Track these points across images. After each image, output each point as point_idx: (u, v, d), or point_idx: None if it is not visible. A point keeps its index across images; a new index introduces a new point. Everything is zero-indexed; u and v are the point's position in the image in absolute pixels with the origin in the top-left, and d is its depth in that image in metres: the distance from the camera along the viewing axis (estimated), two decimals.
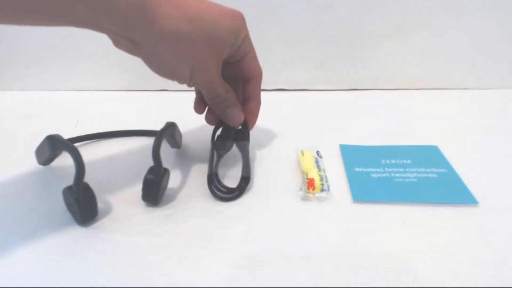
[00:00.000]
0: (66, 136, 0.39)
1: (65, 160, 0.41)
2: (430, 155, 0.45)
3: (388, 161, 0.44)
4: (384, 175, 0.41)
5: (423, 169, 0.42)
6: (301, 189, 0.39)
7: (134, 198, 0.38)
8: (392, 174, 0.41)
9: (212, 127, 0.45)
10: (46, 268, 0.31)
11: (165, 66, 0.36)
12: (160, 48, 0.34)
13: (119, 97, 0.65)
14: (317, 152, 0.44)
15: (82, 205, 0.34)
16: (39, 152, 0.42)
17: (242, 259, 0.32)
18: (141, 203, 0.38)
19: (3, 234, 0.35)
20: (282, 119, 0.54)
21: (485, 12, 0.59)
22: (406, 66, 0.63)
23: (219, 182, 0.39)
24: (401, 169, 0.42)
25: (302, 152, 0.44)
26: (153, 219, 0.36)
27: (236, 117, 0.42)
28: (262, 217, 0.36)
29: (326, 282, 0.30)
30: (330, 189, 0.39)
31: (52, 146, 0.39)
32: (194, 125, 0.49)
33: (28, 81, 0.66)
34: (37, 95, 0.65)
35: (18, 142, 0.49)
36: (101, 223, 0.36)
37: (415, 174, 0.41)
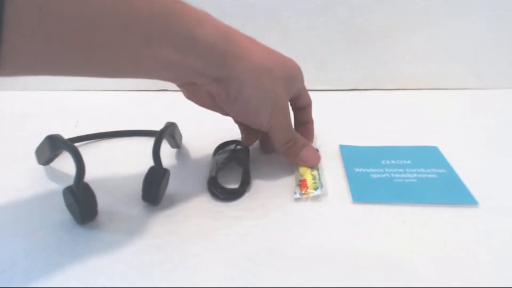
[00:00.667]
0: (66, 136, 0.39)
1: (65, 160, 0.41)
2: (430, 156, 0.45)
3: (388, 162, 0.44)
4: (384, 175, 0.41)
5: (423, 170, 0.42)
6: (295, 193, 0.39)
7: (134, 198, 0.38)
8: (392, 175, 0.41)
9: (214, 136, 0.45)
10: (46, 268, 0.31)
11: (249, 104, 0.36)
12: (245, 83, 0.35)
13: (119, 97, 0.65)
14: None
15: (82, 205, 0.34)
16: (39, 152, 0.42)
17: (242, 259, 0.32)
18: (141, 203, 0.38)
19: (3, 234, 0.35)
20: None
21: (485, 12, 0.59)
22: (406, 66, 0.63)
23: (219, 185, 0.39)
24: (401, 170, 0.42)
25: None
26: (153, 219, 0.36)
27: (314, 155, 0.42)
28: (262, 218, 0.36)
29: (326, 282, 0.30)
30: (324, 186, 0.39)
31: (52, 146, 0.39)
32: (194, 125, 0.49)
33: (28, 81, 0.66)
34: (37, 95, 0.65)
35: (18, 142, 0.49)
36: (101, 223, 0.36)
37: (415, 175, 0.41)
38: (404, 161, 0.44)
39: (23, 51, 0.26)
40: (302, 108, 0.44)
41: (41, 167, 0.43)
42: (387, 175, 0.41)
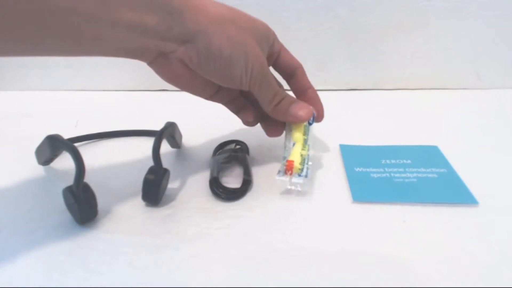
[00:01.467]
0: (66, 136, 0.39)
1: (65, 160, 0.41)
2: (430, 155, 0.45)
3: (388, 161, 0.44)
4: (384, 175, 0.41)
5: (423, 169, 0.42)
6: (279, 172, 0.38)
7: (134, 198, 0.38)
8: (392, 174, 0.41)
9: (214, 137, 0.45)
10: (46, 268, 0.31)
11: (221, 57, 0.34)
12: (211, 35, 0.34)
13: (119, 97, 0.65)
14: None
15: (82, 205, 0.34)
16: (39, 152, 0.42)
17: (242, 259, 0.32)
18: (141, 203, 0.38)
19: (3, 234, 0.35)
20: None
21: (485, 12, 0.59)
22: (406, 66, 0.63)
23: (221, 185, 0.39)
24: (401, 169, 0.42)
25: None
26: (153, 219, 0.36)
27: (305, 107, 0.40)
28: (262, 217, 0.36)
29: (326, 282, 0.30)
30: (308, 176, 0.38)
31: (52, 146, 0.39)
32: (194, 125, 0.49)
33: (28, 81, 0.66)
34: (37, 95, 0.65)
35: (18, 142, 0.49)
36: (101, 223, 0.36)
37: (415, 174, 0.41)
38: (404, 161, 0.44)
39: None
40: (291, 72, 0.42)
41: (41, 167, 0.43)
42: (387, 174, 0.41)
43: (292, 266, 0.31)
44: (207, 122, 0.51)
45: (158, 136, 0.38)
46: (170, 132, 0.43)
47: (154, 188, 0.37)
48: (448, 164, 0.43)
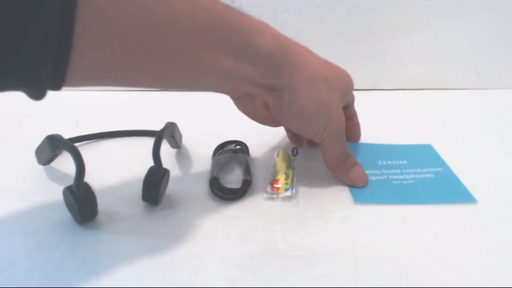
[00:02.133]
0: (66, 136, 0.39)
1: (65, 160, 0.41)
2: (425, 154, 0.45)
3: (384, 162, 0.43)
4: (382, 177, 0.41)
5: (419, 170, 0.42)
6: (266, 192, 0.39)
7: (134, 198, 0.38)
8: (390, 176, 0.41)
9: (212, 137, 0.45)
10: (46, 268, 0.31)
11: (303, 114, 0.36)
12: (301, 92, 0.35)
13: (119, 97, 0.65)
14: (292, 150, 0.43)
15: (82, 205, 0.34)
16: (39, 152, 0.42)
17: (242, 259, 0.32)
18: (141, 203, 0.38)
19: (3, 234, 0.35)
20: None
21: (485, 12, 0.59)
22: (406, 66, 0.63)
23: (221, 185, 0.39)
24: (398, 171, 0.42)
25: (278, 152, 0.44)
26: (153, 219, 0.36)
27: (364, 176, 0.40)
28: (262, 218, 0.36)
29: (326, 282, 0.30)
30: (295, 189, 0.39)
31: (52, 146, 0.39)
32: (194, 125, 0.49)
33: None
34: None
35: (18, 142, 0.49)
36: (101, 223, 0.36)
37: (412, 176, 0.41)
38: (400, 162, 0.43)
39: (90, 62, 0.26)
40: (346, 106, 0.44)
41: (41, 167, 0.43)
42: (385, 176, 0.41)
43: (292, 266, 0.31)
44: (207, 122, 0.51)
45: (158, 136, 0.38)
46: (170, 132, 0.43)
47: (154, 188, 0.37)
48: (443, 162, 0.43)
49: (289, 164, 0.42)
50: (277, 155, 0.43)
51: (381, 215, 0.36)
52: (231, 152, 0.44)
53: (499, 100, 0.60)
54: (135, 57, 0.28)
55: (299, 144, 0.45)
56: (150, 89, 0.32)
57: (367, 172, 0.42)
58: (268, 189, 0.39)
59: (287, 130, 0.45)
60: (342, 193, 0.39)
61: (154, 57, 0.28)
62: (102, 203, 0.36)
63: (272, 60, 0.33)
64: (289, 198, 0.38)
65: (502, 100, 0.60)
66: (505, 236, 0.34)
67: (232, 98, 0.38)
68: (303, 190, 0.40)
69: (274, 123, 0.41)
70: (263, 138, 0.48)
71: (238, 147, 0.46)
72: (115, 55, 0.27)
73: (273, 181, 0.40)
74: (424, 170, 0.42)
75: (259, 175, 0.42)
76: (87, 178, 0.34)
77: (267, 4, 0.59)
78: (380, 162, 0.44)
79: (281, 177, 0.40)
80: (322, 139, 0.38)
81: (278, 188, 0.39)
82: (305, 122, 0.37)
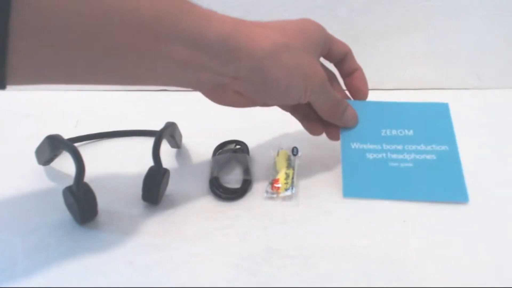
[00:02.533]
0: (66, 136, 0.39)
1: (65, 160, 0.41)
2: (436, 121, 0.42)
3: (388, 132, 0.41)
4: (381, 155, 0.40)
5: (423, 146, 0.40)
6: (266, 191, 0.39)
7: (134, 198, 0.38)
8: (389, 155, 0.40)
9: (213, 138, 0.45)
10: (46, 268, 0.31)
11: (279, 87, 0.35)
12: (268, 68, 0.34)
13: (119, 97, 0.65)
14: (293, 150, 0.44)
15: (82, 205, 0.34)
16: (39, 152, 0.42)
17: (242, 259, 0.32)
18: (141, 203, 0.38)
19: (3, 234, 0.35)
20: (282, 119, 0.54)
21: (485, 12, 0.59)
22: (406, 66, 0.63)
23: (221, 185, 0.39)
24: (399, 147, 0.40)
25: (278, 152, 0.44)
26: (153, 219, 0.36)
27: (355, 116, 0.41)
28: (262, 217, 0.36)
29: (326, 282, 0.30)
30: (295, 188, 0.39)
31: (52, 146, 0.39)
32: (194, 125, 0.49)
33: None
34: (37, 95, 0.65)
35: (18, 142, 0.49)
36: (101, 223, 0.36)
37: (412, 156, 0.39)
38: (406, 131, 0.41)
39: (31, 60, 0.26)
40: (341, 58, 0.42)
41: (41, 167, 0.43)
42: (384, 154, 0.40)
43: (292, 266, 0.31)
44: (207, 122, 0.51)
45: (158, 136, 0.38)
46: (170, 132, 0.43)
47: (154, 188, 0.37)
48: (452, 136, 0.41)
49: (289, 164, 0.42)
50: (277, 155, 0.43)
51: (381, 215, 0.36)
52: (231, 152, 0.44)
53: (499, 100, 0.60)
54: (81, 52, 0.27)
55: (315, 132, 0.43)
56: (110, 86, 0.31)
57: (367, 146, 0.40)
58: (268, 188, 0.39)
59: (301, 120, 0.43)
60: (336, 187, 0.39)
61: (101, 51, 0.28)
62: (102, 203, 0.36)
63: (225, 46, 0.32)
64: (289, 198, 0.38)
65: (502, 100, 0.60)
66: (504, 236, 0.34)
67: (203, 93, 0.37)
68: (303, 190, 0.40)
69: (254, 103, 0.39)
70: (263, 138, 0.48)
71: (238, 147, 0.46)
72: (58, 51, 0.26)
73: (273, 180, 0.40)
74: (428, 147, 0.40)
75: (259, 175, 0.42)
76: (87, 178, 0.34)
77: (267, 4, 0.59)
78: (383, 131, 0.41)
79: (281, 177, 0.40)
80: (308, 99, 0.37)
81: (278, 188, 0.39)
82: (283, 94, 0.36)
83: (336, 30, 0.61)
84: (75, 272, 0.31)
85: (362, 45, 0.62)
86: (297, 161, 0.43)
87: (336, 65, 0.43)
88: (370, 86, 0.66)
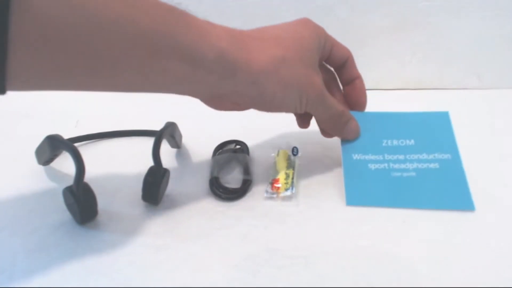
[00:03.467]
0: (66, 136, 0.39)
1: (65, 160, 0.41)
2: (437, 129, 0.42)
3: (389, 143, 0.41)
4: (383, 165, 0.39)
5: (425, 155, 0.40)
6: (266, 191, 0.39)
7: (134, 198, 0.38)
8: (391, 165, 0.39)
9: (213, 137, 0.45)
10: (46, 268, 0.31)
11: (274, 100, 0.36)
12: (265, 83, 0.34)
13: (119, 97, 0.64)
14: (293, 150, 0.44)
15: (82, 205, 0.34)
16: (39, 152, 0.42)
17: (242, 259, 0.32)
18: (141, 203, 0.38)
19: (3, 234, 0.35)
20: (282, 119, 0.54)
21: (485, 12, 0.59)
22: (406, 66, 0.63)
23: (221, 185, 0.39)
24: (401, 156, 0.40)
25: (278, 152, 0.44)
26: (153, 219, 0.36)
27: (356, 128, 0.41)
28: (262, 217, 0.36)
29: (326, 282, 0.30)
30: (295, 188, 0.39)
31: (52, 146, 0.39)
32: (194, 125, 0.49)
33: None
34: (37, 95, 0.65)
35: (18, 142, 0.49)
36: (101, 223, 0.36)
37: (415, 165, 0.39)
38: (407, 141, 0.41)
39: (30, 68, 0.26)
40: (342, 63, 0.42)
41: (41, 167, 0.43)
42: (386, 165, 0.39)
43: (292, 266, 0.31)
44: (207, 122, 0.51)
45: (158, 136, 0.38)
46: (170, 132, 0.43)
47: (154, 188, 0.37)
48: (454, 144, 0.40)
49: (289, 164, 0.42)
50: (277, 155, 0.43)
51: (381, 215, 0.36)
52: (231, 152, 0.44)
53: (499, 100, 0.60)
54: (77, 61, 0.27)
55: (305, 126, 0.43)
56: (103, 91, 0.31)
57: (369, 156, 0.40)
58: (268, 188, 0.39)
59: (296, 114, 0.43)
60: (342, 193, 0.39)
61: (97, 61, 0.28)
62: (102, 203, 0.36)
63: (223, 62, 0.32)
64: (289, 198, 0.38)
65: (502, 100, 0.60)
66: (504, 237, 0.34)
67: (201, 100, 0.37)
68: (303, 190, 0.40)
69: (247, 108, 0.39)
70: (263, 138, 0.48)
71: (238, 147, 0.46)
72: (55, 59, 0.26)
73: (273, 180, 0.40)
74: (431, 156, 0.39)
75: (259, 175, 0.42)
76: (87, 178, 0.34)
77: (267, 4, 0.59)
78: (385, 142, 0.41)
79: (281, 177, 0.40)
80: (304, 110, 0.37)
81: (278, 188, 0.39)
82: (279, 105, 0.36)
83: (336, 30, 0.61)
84: (75, 272, 0.31)
85: (362, 45, 0.62)
86: (297, 161, 0.43)
87: (336, 71, 0.43)
88: (370, 86, 0.66)
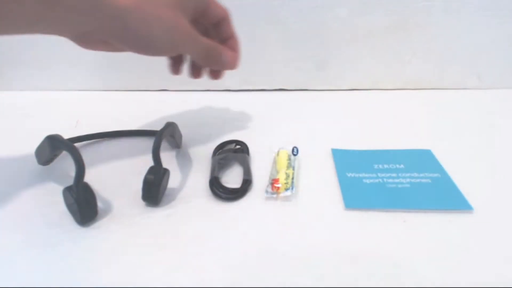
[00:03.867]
0: (66, 136, 0.39)
1: (65, 160, 0.41)
2: (423, 160, 0.44)
3: (380, 166, 0.43)
4: (377, 180, 0.41)
5: (416, 174, 0.41)
6: (266, 191, 0.39)
7: (134, 198, 0.38)
8: (385, 180, 0.41)
9: (212, 138, 0.45)
10: (46, 268, 0.31)
11: (139, 37, 0.35)
12: (127, 18, 0.33)
13: (119, 97, 0.65)
14: (293, 149, 0.44)
15: (82, 205, 0.34)
16: (39, 152, 0.42)
17: (242, 259, 0.32)
18: (141, 203, 0.38)
19: (3, 234, 0.35)
20: (282, 119, 0.54)
21: (485, 12, 0.59)
22: (406, 66, 0.63)
23: (221, 185, 0.39)
24: (393, 174, 0.41)
25: (278, 152, 0.44)
26: (153, 219, 0.36)
27: (232, 57, 0.41)
28: (262, 218, 0.36)
29: (326, 282, 0.30)
30: (295, 188, 0.39)
31: (52, 146, 0.39)
32: (194, 125, 0.49)
33: (28, 81, 0.66)
34: (37, 95, 0.65)
35: (18, 142, 0.49)
36: (101, 223, 0.36)
37: (408, 180, 0.40)
38: (397, 166, 0.43)
39: None
40: (217, 22, 0.41)
41: (41, 167, 0.43)
42: (380, 180, 0.41)
43: (292, 266, 0.31)
44: (207, 122, 0.51)
45: (158, 136, 0.38)
46: (170, 132, 0.43)
47: (154, 188, 0.37)
48: (442, 168, 0.42)
49: (289, 164, 0.42)
50: (277, 155, 0.43)
51: (381, 215, 0.36)
52: (231, 152, 0.44)
53: (499, 100, 0.60)
54: None
55: (175, 71, 0.43)
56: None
57: (362, 175, 0.41)
58: (268, 188, 0.39)
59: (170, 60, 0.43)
60: (335, 197, 0.39)
61: None
62: (102, 203, 0.36)
63: (83, 3, 0.32)
64: (289, 198, 0.38)
65: (502, 100, 0.60)
66: (504, 237, 0.34)
67: (69, 39, 0.36)
68: (303, 190, 0.40)
69: (124, 50, 0.38)
70: (263, 138, 0.48)
71: (238, 147, 0.46)
72: None
73: (273, 180, 0.40)
74: (421, 175, 0.41)
75: (259, 175, 0.42)
76: (87, 178, 0.34)
77: (267, 4, 0.59)
78: (376, 165, 0.43)
79: (281, 177, 0.40)
80: (177, 51, 0.38)
81: (278, 188, 0.39)
82: (147, 45, 0.36)
83: (336, 30, 0.61)
84: (75, 272, 0.31)
85: (362, 45, 0.62)
86: (297, 161, 0.43)
87: (212, 30, 0.42)
88: (370, 86, 0.67)
